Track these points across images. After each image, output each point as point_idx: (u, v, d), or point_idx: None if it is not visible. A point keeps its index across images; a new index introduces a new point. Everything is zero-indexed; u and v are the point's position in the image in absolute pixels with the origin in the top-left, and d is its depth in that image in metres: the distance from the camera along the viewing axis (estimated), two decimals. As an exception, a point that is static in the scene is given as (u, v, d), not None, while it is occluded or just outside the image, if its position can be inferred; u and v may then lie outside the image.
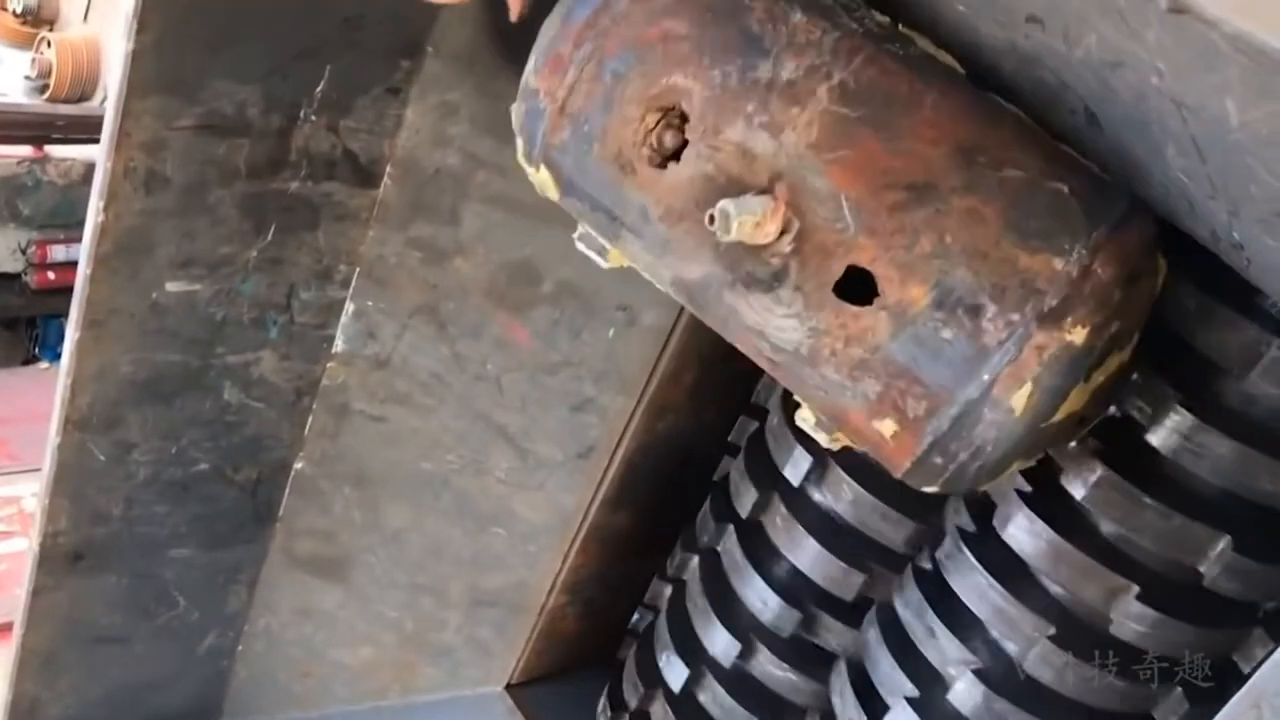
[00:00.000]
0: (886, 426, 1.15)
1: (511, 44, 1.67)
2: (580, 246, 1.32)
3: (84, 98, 6.32)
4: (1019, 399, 1.09)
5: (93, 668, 2.13)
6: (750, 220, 1.10)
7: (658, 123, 1.16)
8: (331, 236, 1.79)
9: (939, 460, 1.14)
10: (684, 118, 1.15)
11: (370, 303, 1.89)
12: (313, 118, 1.63)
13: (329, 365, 1.96)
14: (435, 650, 2.19)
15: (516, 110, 1.27)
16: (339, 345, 1.93)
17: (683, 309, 1.76)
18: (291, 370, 1.93)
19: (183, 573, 2.10)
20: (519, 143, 1.27)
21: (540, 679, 2.20)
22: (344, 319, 1.91)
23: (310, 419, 2.01)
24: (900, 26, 1.20)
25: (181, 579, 2.11)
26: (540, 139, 1.24)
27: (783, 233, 1.12)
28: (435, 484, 2.03)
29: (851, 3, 1.19)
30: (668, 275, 1.24)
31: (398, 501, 2.08)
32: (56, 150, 5.77)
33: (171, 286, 1.70)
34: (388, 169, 1.76)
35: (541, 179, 1.27)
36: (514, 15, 1.37)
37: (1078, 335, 1.08)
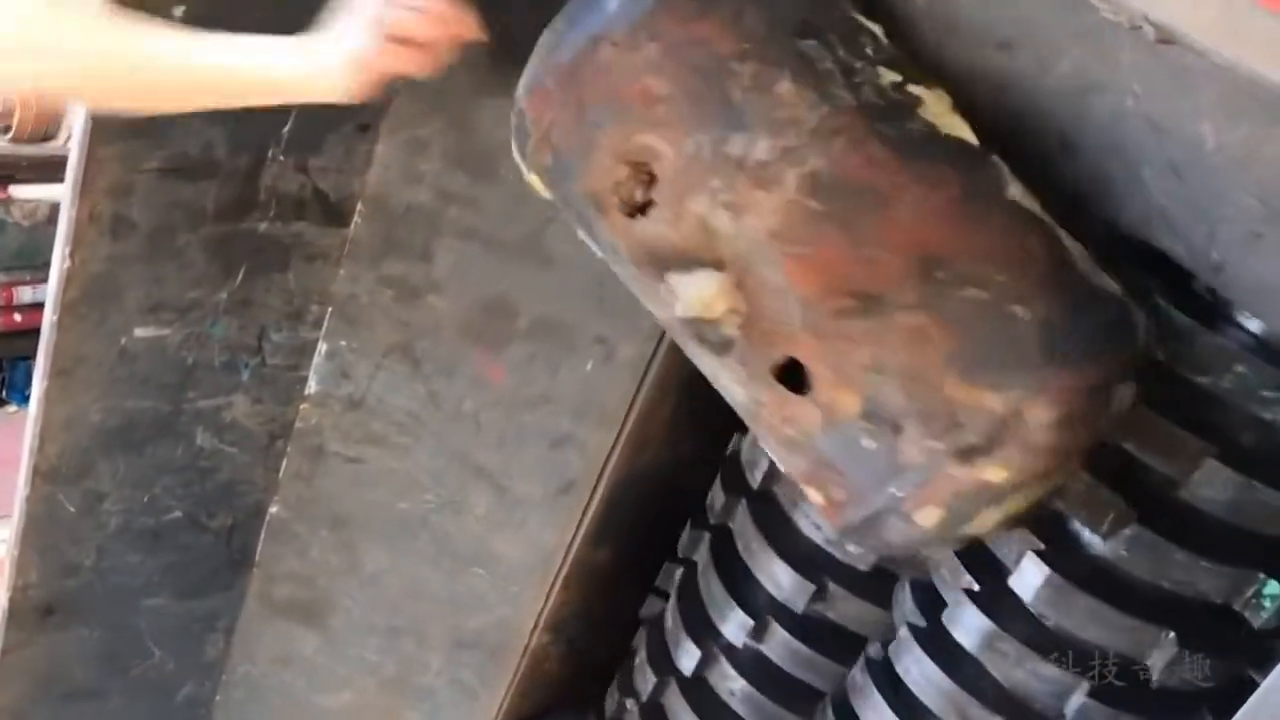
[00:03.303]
0: (814, 495, 1.20)
1: (482, 79, 1.66)
2: None
3: (47, 138, 6.26)
4: (925, 517, 1.11)
5: (66, 724, 2.08)
6: (698, 300, 1.12)
7: (628, 177, 1.15)
8: (302, 277, 1.77)
9: (856, 540, 1.21)
10: (653, 177, 1.14)
11: (343, 343, 1.87)
12: (281, 157, 1.61)
13: (302, 407, 1.93)
14: (417, 693, 2.15)
15: (512, 125, 1.27)
16: (312, 387, 1.91)
17: (660, 340, 1.75)
18: (264, 413, 1.90)
19: (157, 622, 2.06)
20: (513, 143, 1.28)
21: (524, 720, 2.16)
22: (317, 360, 1.88)
23: (284, 462, 1.98)
24: (909, 87, 1.14)
25: (156, 629, 2.07)
26: (528, 154, 1.25)
27: (732, 310, 1.13)
28: (413, 525, 2.00)
29: (855, 61, 1.13)
30: (641, 302, 1.26)
31: (375, 543, 2.04)
32: (20, 191, 5.69)
33: (140, 332, 1.67)
34: (358, 207, 1.74)
35: (531, 181, 1.29)
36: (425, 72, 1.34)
37: (994, 474, 1.09)
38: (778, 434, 1.20)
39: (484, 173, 1.72)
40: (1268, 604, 1.25)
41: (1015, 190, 1.15)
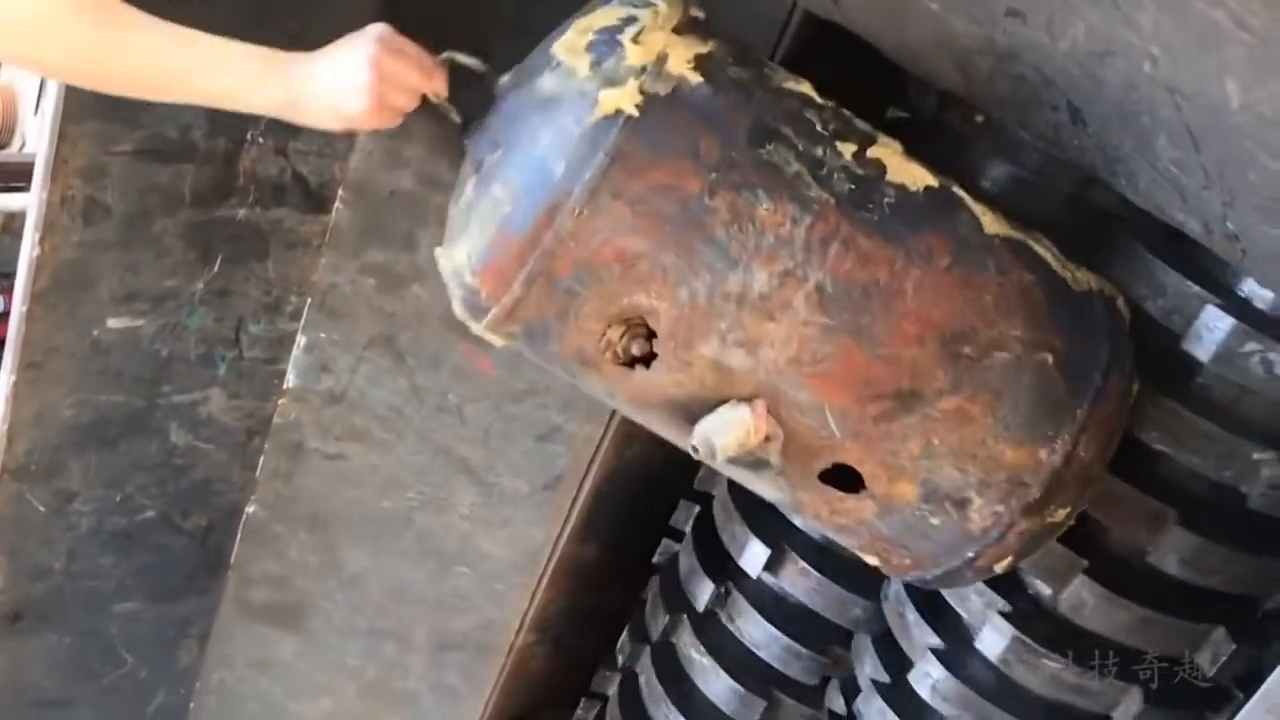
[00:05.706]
0: (871, 560, 1.23)
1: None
2: None
3: (1, 146, 6.15)
4: (1000, 566, 1.18)
5: (34, 734, 2.01)
6: (735, 442, 1.09)
7: (622, 335, 1.10)
8: (281, 265, 1.72)
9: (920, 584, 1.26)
10: (651, 331, 1.09)
11: (323, 334, 1.82)
12: (260, 140, 1.57)
13: (281, 402, 1.87)
14: (399, 698, 2.10)
15: (450, 285, 1.16)
16: (291, 380, 1.86)
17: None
18: (241, 409, 1.85)
19: (130, 628, 2.00)
20: (456, 308, 1.16)
21: (509, 722, 2.12)
22: (296, 353, 1.83)
23: (262, 460, 1.92)
24: (868, 153, 1.12)
25: (128, 635, 2.01)
26: (486, 325, 1.14)
27: (768, 439, 1.10)
28: (396, 523, 1.95)
29: (815, 147, 1.10)
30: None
31: (356, 543, 1.99)
32: (-27, 202, 5.59)
33: (113, 323, 1.61)
34: (339, 193, 1.69)
35: (488, 339, 1.18)
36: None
37: (1059, 515, 1.15)
38: (826, 523, 1.21)
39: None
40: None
41: (988, 220, 1.15)
